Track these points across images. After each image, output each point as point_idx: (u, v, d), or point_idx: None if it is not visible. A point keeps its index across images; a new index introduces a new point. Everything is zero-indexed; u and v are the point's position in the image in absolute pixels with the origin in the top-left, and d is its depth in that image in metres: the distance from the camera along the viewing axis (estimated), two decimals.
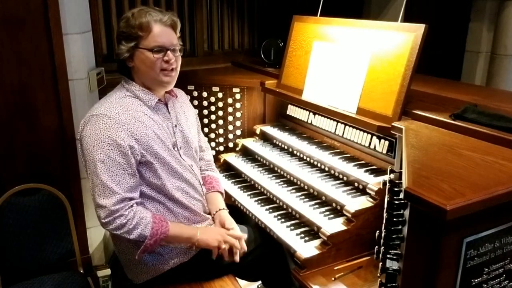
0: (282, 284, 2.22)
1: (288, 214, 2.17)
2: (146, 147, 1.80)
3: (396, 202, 1.45)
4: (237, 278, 2.07)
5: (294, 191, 2.25)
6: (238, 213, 2.31)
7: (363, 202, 1.94)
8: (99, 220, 1.76)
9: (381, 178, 1.95)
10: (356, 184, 2.10)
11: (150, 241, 1.78)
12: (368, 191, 1.97)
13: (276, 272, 2.21)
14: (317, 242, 1.92)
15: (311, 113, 2.57)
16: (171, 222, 1.87)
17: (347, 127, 2.32)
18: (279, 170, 2.46)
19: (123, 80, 1.92)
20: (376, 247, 1.49)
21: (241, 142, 2.80)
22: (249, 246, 2.09)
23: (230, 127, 2.94)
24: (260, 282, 2.49)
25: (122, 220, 1.73)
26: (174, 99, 2.04)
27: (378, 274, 1.46)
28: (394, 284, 1.42)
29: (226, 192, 2.47)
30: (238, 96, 2.88)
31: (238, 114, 2.90)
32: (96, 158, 1.72)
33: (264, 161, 2.59)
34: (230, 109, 2.91)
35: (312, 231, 2.01)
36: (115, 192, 1.72)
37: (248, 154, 2.76)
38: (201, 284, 2.00)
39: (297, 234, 1.99)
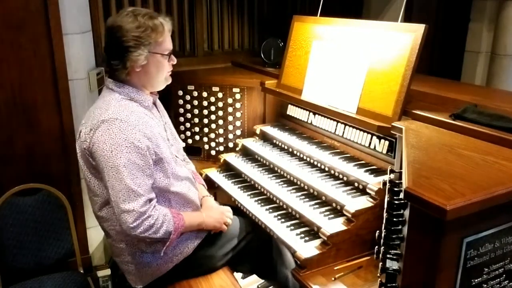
0: (278, 270, 2.22)
1: (288, 214, 2.17)
2: (156, 145, 1.81)
3: (396, 202, 1.45)
4: (234, 275, 2.08)
5: (294, 191, 2.24)
6: (238, 213, 2.32)
7: (363, 202, 1.94)
8: (125, 225, 1.71)
9: (381, 178, 1.95)
10: (356, 184, 2.10)
11: (174, 236, 1.82)
12: (368, 191, 1.97)
13: (269, 258, 2.21)
14: (317, 242, 1.92)
15: (311, 113, 2.56)
16: (182, 212, 1.91)
17: (347, 127, 2.32)
18: (279, 170, 2.45)
19: (110, 84, 1.84)
20: (376, 247, 1.49)
21: (241, 142, 2.80)
22: (241, 233, 2.14)
23: (230, 127, 2.94)
24: (260, 282, 2.49)
25: (150, 221, 1.74)
26: (156, 98, 2.04)
27: (378, 274, 1.46)
28: (394, 284, 1.42)
29: (226, 192, 2.48)
30: (238, 96, 2.88)
31: (238, 114, 2.90)
32: (117, 163, 1.69)
33: (264, 161, 2.58)
34: (230, 109, 2.91)
35: (312, 231, 2.01)
36: (140, 194, 1.71)
37: (248, 154, 2.76)
38: (200, 281, 2.01)
39: (297, 234, 1.99)
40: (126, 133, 1.71)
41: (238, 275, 2.29)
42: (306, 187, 2.24)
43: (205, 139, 2.99)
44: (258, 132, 2.81)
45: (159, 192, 1.87)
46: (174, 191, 1.90)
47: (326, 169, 2.28)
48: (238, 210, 2.30)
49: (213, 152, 2.99)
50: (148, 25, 1.76)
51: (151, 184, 1.78)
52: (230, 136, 2.95)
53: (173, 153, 1.95)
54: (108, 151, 1.69)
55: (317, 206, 2.08)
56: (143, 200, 1.72)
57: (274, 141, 2.71)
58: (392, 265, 1.43)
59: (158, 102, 2.07)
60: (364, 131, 2.21)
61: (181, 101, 2.97)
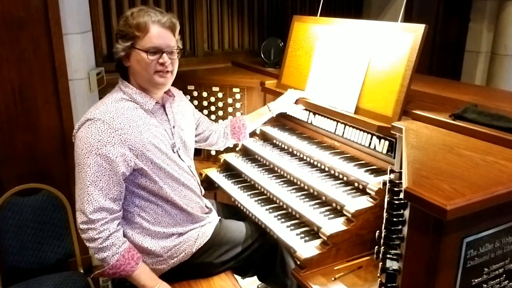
0: (278, 277, 2.22)
1: (288, 214, 2.17)
2: (139, 153, 1.77)
3: (396, 202, 1.45)
4: (235, 276, 2.08)
5: (294, 191, 2.24)
6: (237, 213, 2.32)
7: (363, 202, 1.94)
8: (77, 224, 1.76)
9: (381, 178, 1.95)
10: (356, 184, 2.10)
11: (109, 271, 1.78)
12: (368, 191, 1.97)
13: (272, 266, 2.22)
14: (317, 242, 1.91)
15: (311, 113, 2.56)
16: (141, 264, 1.83)
17: (347, 127, 2.32)
18: (279, 170, 2.45)
19: (120, 82, 1.89)
20: (376, 247, 1.49)
21: (241, 142, 2.80)
22: (246, 241, 2.11)
23: None
24: (260, 282, 2.49)
25: (93, 234, 1.73)
26: (171, 100, 2.02)
27: (378, 274, 1.46)
28: (394, 284, 1.42)
29: (226, 192, 2.48)
30: (238, 96, 2.88)
31: (238, 114, 2.90)
32: (83, 162, 1.71)
33: (264, 161, 2.58)
34: (230, 109, 2.91)
35: (312, 231, 2.00)
36: (95, 199, 1.71)
37: (248, 154, 2.76)
38: (200, 282, 2.01)
39: (297, 234, 1.99)
40: (103, 136, 1.71)
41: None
42: (306, 187, 2.24)
43: None
44: (258, 132, 2.81)
45: (150, 196, 1.86)
46: (164, 197, 1.87)
47: (326, 169, 2.28)
48: (245, 215, 2.26)
49: (213, 152, 2.99)
50: (131, 21, 1.78)
51: (116, 192, 1.75)
52: None
53: (174, 158, 1.91)
54: (80, 149, 1.72)
55: (317, 206, 2.08)
56: (95, 206, 1.71)
57: (274, 141, 2.71)
58: (392, 265, 1.43)
59: (174, 103, 2.04)
60: (364, 131, 2.21)
61: None
